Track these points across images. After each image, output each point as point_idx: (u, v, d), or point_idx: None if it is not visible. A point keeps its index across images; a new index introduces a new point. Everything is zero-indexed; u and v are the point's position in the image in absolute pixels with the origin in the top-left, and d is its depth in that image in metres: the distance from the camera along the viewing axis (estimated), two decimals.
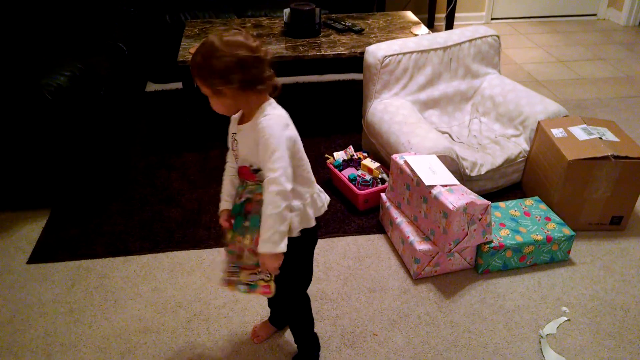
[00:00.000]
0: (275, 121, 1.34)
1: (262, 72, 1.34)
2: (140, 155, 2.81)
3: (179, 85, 3.53)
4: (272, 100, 1.42)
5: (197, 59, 1.33)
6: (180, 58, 2.63)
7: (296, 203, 1.40)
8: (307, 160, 1.45)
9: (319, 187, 1.51)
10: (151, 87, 3.58)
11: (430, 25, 4.40)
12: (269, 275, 1.41)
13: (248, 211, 1.41)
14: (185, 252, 2.18)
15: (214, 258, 2.14)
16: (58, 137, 2.20)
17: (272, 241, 1.30)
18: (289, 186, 1.30)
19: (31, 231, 2.29)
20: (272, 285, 1.42)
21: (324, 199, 1.52)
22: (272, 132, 1.32)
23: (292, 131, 1.39)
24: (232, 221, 1.46)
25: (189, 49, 2.71)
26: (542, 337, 1.82)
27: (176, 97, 3.43)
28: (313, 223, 1.47)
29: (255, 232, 1.36)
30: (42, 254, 2.17)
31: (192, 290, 1.99)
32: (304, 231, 1.43)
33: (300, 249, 1.46)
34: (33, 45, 2.61)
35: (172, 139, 2.96)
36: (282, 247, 1.31)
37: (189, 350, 1.77)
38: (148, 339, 1.81)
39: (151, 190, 2.53)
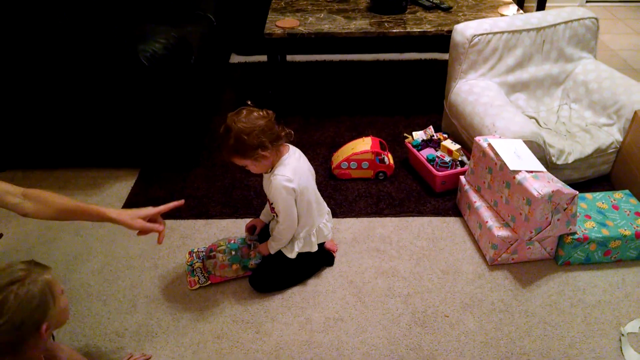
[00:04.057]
0: (279, 184, 1.72)
1: (277, 130, 1.72)
2: (223, 124, 2.89)
3: (261, 58, 3.60)
4: (289, 153, 1.80)
5: (230, 142, 1.69)
6: (267, 31, 2.67)
7: (303, 234, 1.87)
8: (315, 200, 1.87)
9: (328, 216, 1.96)
10: (235, 59, 3.66)
11: (521, 6, 4.21)
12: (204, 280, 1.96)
13: (242, 254, 1.99)
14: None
15: None
16: (150, 102, 2.31)
17: (271, 249, 1.90)
18: (290, 231, 1.83)
19: (121, 189, 2.44)
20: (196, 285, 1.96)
21: (330, 227, 1.97)
22: (278, 196, 1.74)
23: (297, 184, 1.74)
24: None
25: (275, 22, 2.74)
26: (622, 335, 1.75)
27: (258, 70, 3.50)
28: (315, 249, 1.91)
29: (234, 264, 1.96)
30: None
31: None
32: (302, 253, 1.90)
33: (291, 260, 1.89)
34: (130, 12, 2.73)
35: None
36: (272, 252, 1.90)
37: (264, 309, 1.84)
38: (225, 298, 1.90)
39: None
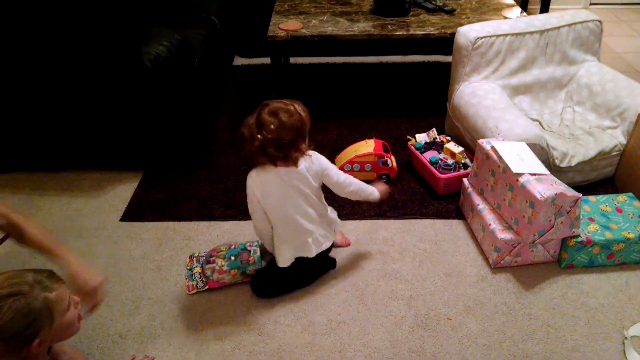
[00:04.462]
0: (249, 175, 1.79)
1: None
2: (227, 127, 2.91)
3: (264, 60, 3.60)
4: (282, 169, 1.73)
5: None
6: (270, 33, 2.68)
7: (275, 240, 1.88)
8: (285, 218, 1.80)
9: (310, 239, 1.86)
10: (238, 61, 3.67)
11: (524, 8, 4.20)
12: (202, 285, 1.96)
13: (241, 260, 1.98)
14: None
15: None
16: (154, 104, 2.31)
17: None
18: (254, 222, 1.87)
19: (125, 191, 2.44)
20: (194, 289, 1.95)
21: (308, 248, 1.87)
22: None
23: (259, 192, 1.76)
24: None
25: (278, 24, 2.75)
26: (626, 338, 1.75)
27: (261, 72, 3.51)
28: (281, 263, 1.87)
29: (233, 269, 1.96)
30: (133, 213, 2.31)
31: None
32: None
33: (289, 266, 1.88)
34: (134, 14, 2.74)
35: None
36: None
37: (267, 311, 1.84)
38: (228, 300, 1.90)
39: (235, 161, 2.62)
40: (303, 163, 1.75)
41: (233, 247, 2.03)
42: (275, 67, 2.83)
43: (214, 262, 1.98)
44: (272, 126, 1.61)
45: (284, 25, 2.73)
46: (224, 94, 3.24)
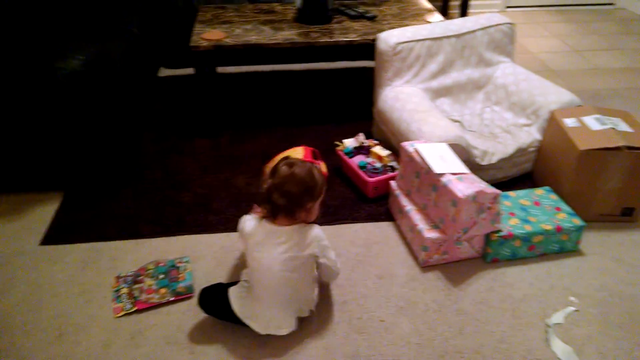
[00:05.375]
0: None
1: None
2: (152, 140, 2.84)
3: (191, 71, 3.54)
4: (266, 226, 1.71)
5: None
6: (193, 43, 2.64)
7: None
8: (255, 271, 1.73)
9: (267, 311, 1.74)
10: (164, 72, 3.59)
11: (444, 13, 4.35)
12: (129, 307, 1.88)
13: (170, 278, 1.96)
14: (196, 236, 2.20)
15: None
16: (71, 121, 2.22)
17: None
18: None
19: (44, 213, 2.33)
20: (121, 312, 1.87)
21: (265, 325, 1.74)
22: None
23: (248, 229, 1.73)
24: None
25: (201, 34, 2.71)
26: (549, 326, 1.82)
27: (188, 83, 3.45)
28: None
29: (162, 288, 1.92)
30: (54, 235, 2.21)
31: (202, 274, 2.01)
32: None
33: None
34: (48, 28, 2.62)
35: (184, 125, 2.98)
36: None
37: (199, 329, 1.80)
38: (158, 320, 1.84)
39: (163, 175, 2.56)
40: (307, 233, 1.68)
41: (162, 264, 1.98)
42: (200, 78, 2.79)
43: (142, 281, 1.92)
44: (282, 173, 1.64)
45: (207, 35, 2.70)
46: (150, 107, 3.16)
